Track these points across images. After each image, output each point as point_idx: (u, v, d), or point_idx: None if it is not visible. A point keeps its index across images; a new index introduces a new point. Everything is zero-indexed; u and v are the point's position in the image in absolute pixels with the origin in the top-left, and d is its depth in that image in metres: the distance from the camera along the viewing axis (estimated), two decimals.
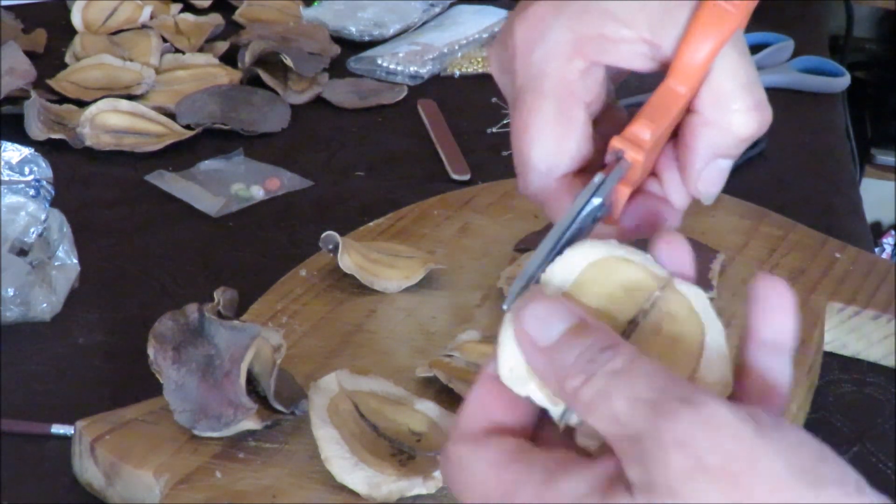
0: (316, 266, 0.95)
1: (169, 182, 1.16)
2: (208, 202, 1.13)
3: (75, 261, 0.96)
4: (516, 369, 0.47)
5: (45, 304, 0.93)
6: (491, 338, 0.83)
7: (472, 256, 0.98)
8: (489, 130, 1.32)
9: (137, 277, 1.01)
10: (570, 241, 0.51)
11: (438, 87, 1.43)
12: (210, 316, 0.77)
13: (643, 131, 0.53)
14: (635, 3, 0.53)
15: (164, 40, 1.44)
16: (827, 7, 1.95)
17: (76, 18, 1.49)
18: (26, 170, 0.97)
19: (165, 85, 1.35)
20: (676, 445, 0.41)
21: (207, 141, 1.25)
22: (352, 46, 1.51)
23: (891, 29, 2.53)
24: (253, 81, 1.36)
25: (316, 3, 1.61)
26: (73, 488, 0.77)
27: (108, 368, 0.88)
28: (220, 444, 0.75)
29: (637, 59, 0.54)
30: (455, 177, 1.20)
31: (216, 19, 1.51)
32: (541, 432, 0.49)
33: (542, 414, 0.49)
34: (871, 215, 1.54)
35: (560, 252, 0.49)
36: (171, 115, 1.28)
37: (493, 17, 1.59)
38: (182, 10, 1.54)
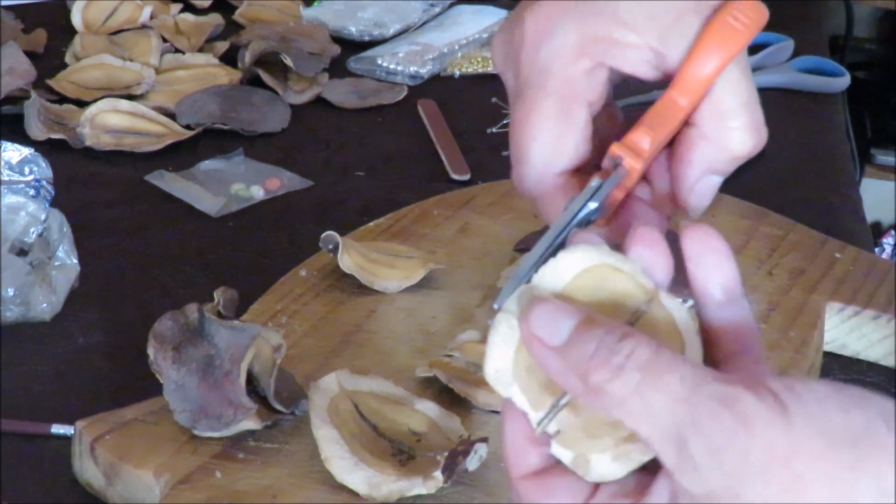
0: (316, 266, 0.95)
1: (169, 182, 1.16)
2: (208, 202, 1.13)
3: (75, 261, 0.96)
4: (502, 371, 0.48)
5: (45, 304, 0.93)
6: None
7: (472, 256, 0.98)
8: (489, 130, 1.32)
9: (137, 277, 1.01)
10: (564, 244, 0.51)
11: (438, 87, 1.43)
12: (210, 316, 0.77)
13: (643, 140, 0.53)
14: (647, 12, 0.53)
15: (164, 40, 1.44)
16: (827, 7, 1.96)
17: (76, 18, 1.49)
18: (26, 170, 0.97)
19: (165, 85, 1.35)
20: (724, 451, 0.42)
21: (207, 141, 1.25)
22: (352, 46, 1.51)
23: (891, 29, 2.53)
24: (253, 81, 1.36)
25: (316, 3, 1.61)
26: (73, 488, 0.76)
27: (108, 368, 0.88)
28: (220, 444, 0.75)
29: (641, 66, 0.54)
30: (455, 177, 1.20)
31: (216, 19, 1.51)
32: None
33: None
34: (871, 215, 1.54)
35: (554, 254, 0.50)
36: (171, 115, 1.28)
37: (493, 17, 1.59)
38: (182, 10, 1.54)
